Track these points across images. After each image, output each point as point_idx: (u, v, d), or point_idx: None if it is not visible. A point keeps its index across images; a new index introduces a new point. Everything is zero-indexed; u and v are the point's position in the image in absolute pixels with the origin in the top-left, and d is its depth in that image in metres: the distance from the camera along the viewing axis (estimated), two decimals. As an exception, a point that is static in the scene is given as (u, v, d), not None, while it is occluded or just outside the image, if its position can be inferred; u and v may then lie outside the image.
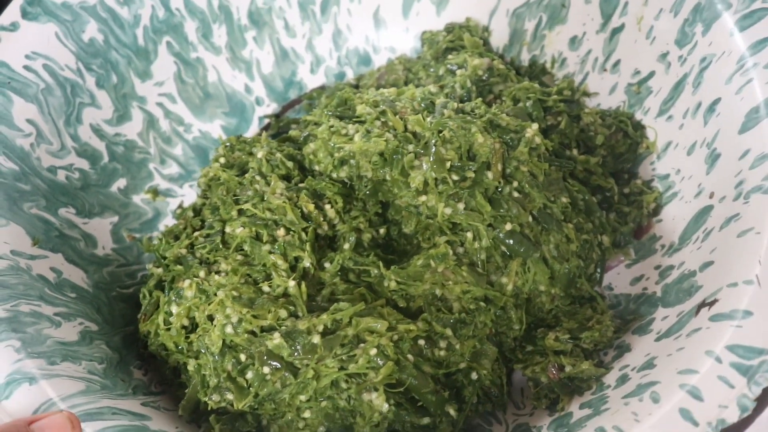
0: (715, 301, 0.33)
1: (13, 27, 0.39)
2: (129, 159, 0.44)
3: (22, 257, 0.36)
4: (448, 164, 0.38)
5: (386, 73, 0.47)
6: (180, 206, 0.46)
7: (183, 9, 0.43)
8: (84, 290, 0.38)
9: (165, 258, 0.40)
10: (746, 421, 0.26)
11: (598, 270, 0.39)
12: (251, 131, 0.49)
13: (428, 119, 0.39)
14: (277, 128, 0.51)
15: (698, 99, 0.39)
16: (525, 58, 0.48)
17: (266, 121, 0.49)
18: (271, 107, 0.48)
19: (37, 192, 0.38)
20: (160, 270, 0.40)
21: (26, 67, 0.39)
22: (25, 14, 0.39)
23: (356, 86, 0.48)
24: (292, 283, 0.37)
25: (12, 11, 0.39)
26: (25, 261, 0.36)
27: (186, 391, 0.37)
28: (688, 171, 0.39)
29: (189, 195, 0.46)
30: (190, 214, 0.44)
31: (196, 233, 0.41)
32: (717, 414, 0.27)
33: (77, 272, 0.38)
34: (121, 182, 0.43)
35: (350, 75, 0.49)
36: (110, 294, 0.39)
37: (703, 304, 0.34)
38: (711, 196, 0.37)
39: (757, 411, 0.27)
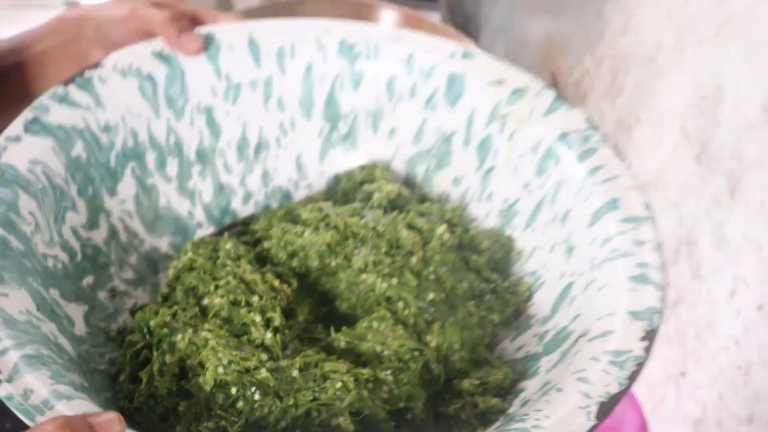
0: (588, 331, 0.44)
1: (18, 139, 0.47)
2: (95, 261, 0.50)
3: (33, 317, 0.42)
4: (383, 250, 0.49)
5: (307, 202, 0.57)
6: (135, 305, 0.52)
7: (147, 141, 0.52)
8: (72, 357, 0.44)
9: (149, 326, 0.46)
10: (624, 392, 0.39)
11: (491, 341, 0.51)
12: None
13: (362, 221, 0.50)
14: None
15: (555, 212, 0.52)
16: (416, 196, 0.59)
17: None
18: (209, 230, 0.56)
19: (36, 271, 0.44)
20: (142, 337, 0.46)
21: (29, 170, 0.46)
22: (27, 130, 0.47)
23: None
24: (269, 335, 0.44)
25: (16, 127, 0.48)
26: (35, 320, 0.42)
27: (177, 428, 0.43)
28: (551, 264, 0.52)
29: (142, 297, 0.53)
30: (160, 299, 0.50)
31: (175, 307, 0.47)
32: (604, 390, 0.39)
33: (66, 342, 0.44)
34: (89, 279, 0.49)
35: (275, 206, 0.58)
36: (89, 366, 0.45)
37: (579, 337, 0.45)
38: (572, 275, 0.50)
39: (629, 385, 0.39)
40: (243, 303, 0.45)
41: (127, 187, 0.52)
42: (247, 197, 0.58)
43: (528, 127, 0.54)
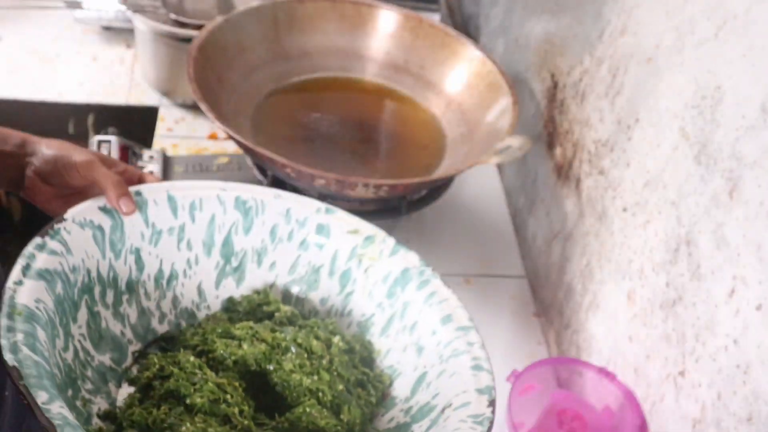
0: (452, 404, 0.62)
1: (20, 282, 0.57)
2: (69, 376, 0.59)
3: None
4: (304, 356, 0.65)
5: (212, 321, 0.71)
6: (99, 410, 0.62)
7: (96, 278, 0.64)
8: None
9: (147, 423, 0.59)
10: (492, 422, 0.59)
11: (371, 416, 0.68)
12: (128, 361, 0.68)
13: (282, 335, 0.67)
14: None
15: (404, 324, 0.70)
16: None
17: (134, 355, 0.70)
18: (138, 346, 0.69)
19: (55, 387, 0.54)
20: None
21: (36, 307, 0.56)
22: (24, 275, 0.58)
23: (195, 326, 0.72)
24: (246, 422, 0.61)
25: (16, 273, 0.58)
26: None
27: None
28: (405, 360, 0.69)
29: (101, 403, 0.63)
30: (136, 399, 0.62)
31: (163, 407, 0.60)
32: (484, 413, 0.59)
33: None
34: (69, 391, 0.59)
35: (183, 325, 0.72)
36: None
37: (444, 408, 0.63)
38: (424, 366, 0.67)
39: (492, 412, 0.60)
40: (222, 400, 0.60)
41: (82, 315, 0.63)
42: (162, 317, 0.71)
43: (379, 264, 0.72)
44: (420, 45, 1.15)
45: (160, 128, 1.22)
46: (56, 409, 0.49)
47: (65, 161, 0.67)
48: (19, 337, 0.53)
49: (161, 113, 1.25)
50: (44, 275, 0.59)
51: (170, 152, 1.14)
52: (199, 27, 1.10)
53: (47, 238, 0.61)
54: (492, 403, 0.61)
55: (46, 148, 0.68)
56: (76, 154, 0.67)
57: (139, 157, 1.04)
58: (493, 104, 1.06)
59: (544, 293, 1.04)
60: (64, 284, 0.61)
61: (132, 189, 0.68)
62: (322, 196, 0.99)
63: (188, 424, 0.57)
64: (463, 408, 0.61)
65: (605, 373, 0.81)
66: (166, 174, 1.04)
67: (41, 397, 0.49)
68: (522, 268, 1.11)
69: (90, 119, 1.28)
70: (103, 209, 0.66)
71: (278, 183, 1.01)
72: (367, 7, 1.16)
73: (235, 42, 1.08)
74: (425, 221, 1.14)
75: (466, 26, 1.54)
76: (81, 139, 1.24)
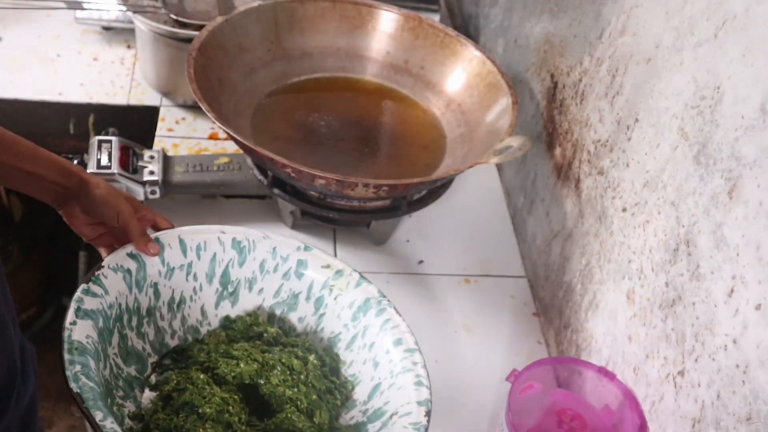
0: (397, 412, 0.77)
1: (74, 323, 0.72)
2: (107, 387, 0.73)
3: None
4: (287, 372, 0.80)
5: (214, 337, 0.87)
6: (129, 412, 0.77)
7: (125, 309, 0.80)
8: None
9: (169, 427, 0.75)
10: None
11: (336, 416, 0.83)
12: (148, 371, 0.83)
13: (270, 355, 0.81)
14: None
15: (364, 342, 0.85)
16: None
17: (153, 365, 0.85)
18: (155, 358, 0.82)
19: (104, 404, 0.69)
20: None
21: (86, 342, 0.71)
22: (76, 315, 0.73)
23: (199, 341, 0.88)
24: (245, 427, 0.76)
25: (71, 315, 0.71)
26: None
27: None
28: (364, 371, 0.84)
29: (130, 407, 0.77)
30: (159, 406, 0.78)
31: (181, 414, 0.75)
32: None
33: None
34: (108, 400, 0.73)
35: (190, 339, 0.87)
36: None
37: (392, 414, 0.78)
38: (379, 378, 0.82)
39: (428, 421, 0.75)
40: (226, 411, 0.75)
41: (115, 338, 0.78)
42: (173, 334, 0.86)
43: (346, 293, 0.87)
44: (420, 45, 1.15)
45: (161, 128, 1.22)
46: (109, 425, 0.64)
47: (110, 209, 0.80)
48: (78, 368, 0.68)
49: (161, 113, 1.25)
50: (90, 315, 0.74)
51: (170, 152, 1.15)
52: (199, 27, 1.10)
53: (91, 284, 0.76)
54: (428, 414, 0.76)
55: (97, 190, 0.79)
56: (121, 204, 0.80)
57: (139, 157, 1.04)
58: (492, 104, 1.06)
59: (543, 293, 1.04)
60: (104, 319, 0.76)
61: (152, 236, 0.84)
62: (322, 196, 0.99)
63: (201, 430, 0.73)
64: (406, 416, 0.76)
65: (605, 372, 0.81)
66: (167, 174, 1.04)
67: (98, 416, 0.64)
68: (521, 267, 1.11)
69: (90, 119, 1.28)
70: (131, 255, 0.82)
71: (278, 183, 1.01)
72: (367, 7, 1.16)
73: (235, 42, 1.08)
74: (425, 221, 1.14)
75: (466, 26, 1.54)
76: (81, 139, 1.25)
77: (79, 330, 0.72)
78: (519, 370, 0.81)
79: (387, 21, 1.16)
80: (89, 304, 0.75)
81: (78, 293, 0.75)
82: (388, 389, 0.80)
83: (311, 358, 0.84)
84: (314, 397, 0.80)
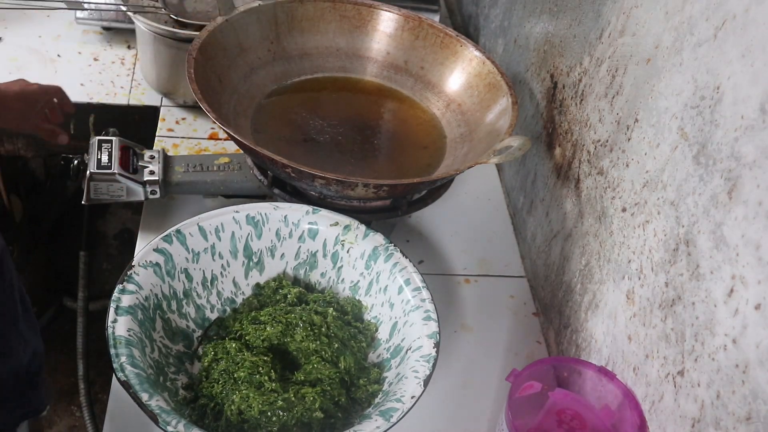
0: (411, 347, 0.84)
1: (116, 321, 0.80)
2: (158, 367, 0.83)
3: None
4: (308, 328, 0.88)
5: (246, 305, 0.95)
6: (181, 383, 0.86)
7: (161, 297, 0.88)
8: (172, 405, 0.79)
9: (212, 393, 0.84)
10: (431, 375, 0.78)
11: (364, 355, 0.91)
12: (195, 344, 0.91)
13: (293, 315, 0.90)
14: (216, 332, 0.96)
15: (379, 286, 0.93)
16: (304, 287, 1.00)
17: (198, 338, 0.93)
18: (199, 332, 0.88)
19: (152, 384, 0.78)
20: (208, 399, 0.85)
21: (129, 334, 0.79)
22: (116, 313, 0.80)
23: (235, 310, 0.96)
24: (274, 385, 0.83)
25: (112, 313, 0.80)
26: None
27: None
28: (383, 313, 0.92)
29: (182, 379, 0.86)
30: (203, 377, 0.87)
31: (221, 381, 0.84)
32: (424, 374, 0.79)
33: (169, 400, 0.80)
34: (161, 378, 0.82)
35: (228, 310, 0.95)
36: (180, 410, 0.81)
37: (407, 349, 0.85)
38: (396, 318, 0.89)
39: (432, 369, 0.79)
40: (256, 372, 0.83)
41: (158, 323, 0.86)
42: (212, 308, 0.93)
43: (356, 245, 0.94)
44: (420, 45, 1.15)
45: (161, 128, 1.23)
46: (155, 404, 0.73)
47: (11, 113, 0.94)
48: (123, 359, 0.76)
49: (162, 113, 1.25)
50: (129, 310, 0.81)
51: (171, 152, 1.15)
52: (199, 27, 1.10)
53: (125, 283, 0.84)
54: (437, 345, 0.82)
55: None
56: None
57: (139, 157, 1.04)
58: (492, 104, 1.06)
59: (543, 293, 1.04)
60: (143, 311, 0.83)
61: (172, 229, 0.90)
62: (322, 197, 0.99)
63: (236, 393, 0.82)
64: (418, 350, 0.83)
65: (604, 372, 0.81)
66: (167, 174, 1.04)
67: (144, 397, 0.73)
68: (521, 267, 1.11)
69: (91, 119, 1.28)
70: (157, 250, 0.88)
71: (278, 183, 1.01)
72: (367, 7, 1.16)
73: (236, 42, 1.08)
74: (425, 221, 1.14)
75: (465, 26, 1.54)
76: (82, 139, 1.25)
77: (120, 326, 0.79)
78: (519, 370, 0.81)
79: (387, 21, 1.16)
80: (126, 301, 0.82)
81: (115, 294, 0.83)
82: (403, 327, 0.88)
83: (330, 311, 0.91)
84: (336, 345, 0.88)
